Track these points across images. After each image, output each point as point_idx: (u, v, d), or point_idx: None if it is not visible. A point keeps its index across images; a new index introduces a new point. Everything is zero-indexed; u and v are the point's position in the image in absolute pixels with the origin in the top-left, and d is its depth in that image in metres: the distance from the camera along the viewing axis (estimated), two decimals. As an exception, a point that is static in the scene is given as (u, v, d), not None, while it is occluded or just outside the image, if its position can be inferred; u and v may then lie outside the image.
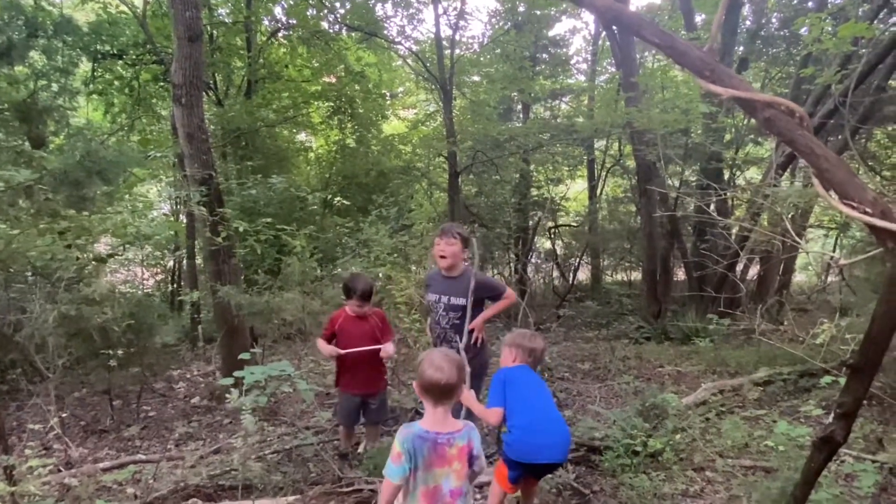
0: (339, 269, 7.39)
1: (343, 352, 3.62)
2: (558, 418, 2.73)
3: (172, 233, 8.65)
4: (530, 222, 12.54)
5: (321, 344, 3.72)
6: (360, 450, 4.00)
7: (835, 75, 6.01)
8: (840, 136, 8.11)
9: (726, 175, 9.57)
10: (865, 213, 0.98)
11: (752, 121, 10.58)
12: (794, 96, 8.51)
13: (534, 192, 12.57)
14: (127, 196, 7.94)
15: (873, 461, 3.20)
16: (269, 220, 5.38)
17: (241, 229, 4.67)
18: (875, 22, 7.05)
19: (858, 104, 7.15)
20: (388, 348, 3.70)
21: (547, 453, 2.63)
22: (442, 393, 2.03)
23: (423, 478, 2.00)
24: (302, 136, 12.81)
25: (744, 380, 5.23)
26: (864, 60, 6.32)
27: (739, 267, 9.40)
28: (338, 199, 9.03)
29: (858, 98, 6.96)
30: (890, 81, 7.84)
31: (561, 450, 2.66)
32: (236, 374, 2.74)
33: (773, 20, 10.81)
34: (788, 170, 8.48)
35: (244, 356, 2.99)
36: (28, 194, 2.70)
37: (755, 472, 3.42)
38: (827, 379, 3.25)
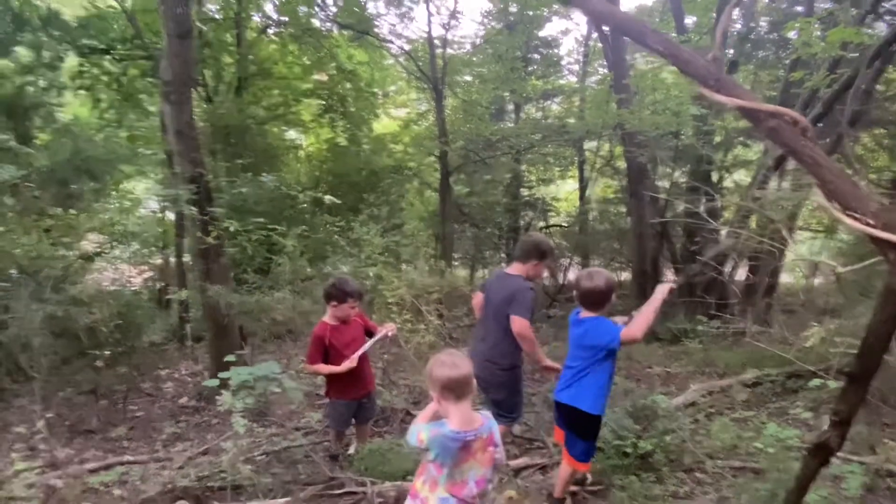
0: (329, 268, 7.35)
1: (356, 357, 3.50)
2: (570, 376, 2.94)
3: (160, 231, 8.57)
4: (521, 222, 12.55)
5: (324, 368, 3.56)
6: (351, 451, 3.98)
7: (824, 79, 6.07)
8: (828, 140, 8.21)
9: (715, 177, 9.65)
10: (868, 224, 0.98)
11: (742, 123, 10.67)
12: (783, 100, 8.59)
13: (525, 192, 12.59)
14: (114, 192, 7.83)
15: (860, 462, 3.23)
16: (260, 219, 5.32)
17: (231, 229, 4.62)
18: (861, 27, 7.12)
19: (844, 108, 7.23)
20: (388, 327, 3.72)
21: (558, 395, 3.00)
22: (461, 386, 2.08)
23: (450, 474, 2.08)
24: (292, 134, 12.73)
25: (732, 381, 5.27)
26: (854, 65, 6.39)
27: (727, 268, 9.48)
28: (328, 197, 8.96)
29: (843, 102, 7.04)
30: (876, 86, 7.94)
31: (564, 398, 2.94)
32: (222, 375, 2.71)
33: (763, 23, 10.89)
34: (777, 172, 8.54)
35: (230, 358, 2.96)
36: (14, 192, 2.65)
37: (744, 473, 3.45)
38: (816, 381, 3.27)
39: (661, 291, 2.85)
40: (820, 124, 6.91)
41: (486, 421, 2.15)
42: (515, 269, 3.52)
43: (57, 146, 2.78)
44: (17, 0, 6.80)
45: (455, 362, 2.10)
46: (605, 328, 2.80)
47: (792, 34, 8.68)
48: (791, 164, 7.88)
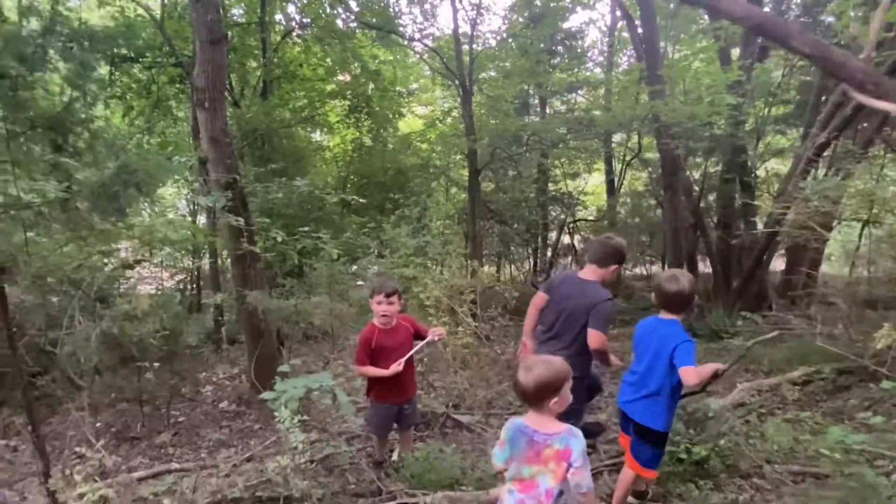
0: (356, 268, 7.32)
1: (402, 361, 3.45)
2: (634, 381, 2.90)
3: (192, 235, 8.66)
4: (549, 217, 12.42)
5: (372, 370, 3.51)
6: (395, 457, 3.95)
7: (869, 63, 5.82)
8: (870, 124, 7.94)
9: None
10: None
11: (775, 110, 10.36)
12: (822, 85, 8.33)
13: (552, 187, 12.43)
14: (148, 200, 7.91)
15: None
16: (305, 228, 5.33)
17: (279, 239, 4.61)
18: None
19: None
20: (436, 331, 3.65)
21: (625, 406, 2.93)
22: (522, 394, 2.10)
23: (517, 468, 2.09)
24: (317, 136, 12.76)
25: (780, 379, 5.11)
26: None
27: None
28: (353, 198, 8.95)
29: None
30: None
31: (626, 407, 2.91)
32: (278, 387, 2.69)
33: (794, 7, 10.59)
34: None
35: (284, 368, 2.93)
36: (64, 208, 2.67)
37: (804, 478, 3.33)
38: (887, 384, 3.13)
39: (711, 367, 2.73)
40: (865, 108, 6.66)
41: (565, 433, 2.07)
42: (591, 273, 3.33)
43: (104, 160, 2.81)
44: (47, 12, 6.90)
45: (528, 366, 2.09)
46: (683, 350, 2.67)
47: (830, 18, 8.41)
48: (829, 152, 7.61)
